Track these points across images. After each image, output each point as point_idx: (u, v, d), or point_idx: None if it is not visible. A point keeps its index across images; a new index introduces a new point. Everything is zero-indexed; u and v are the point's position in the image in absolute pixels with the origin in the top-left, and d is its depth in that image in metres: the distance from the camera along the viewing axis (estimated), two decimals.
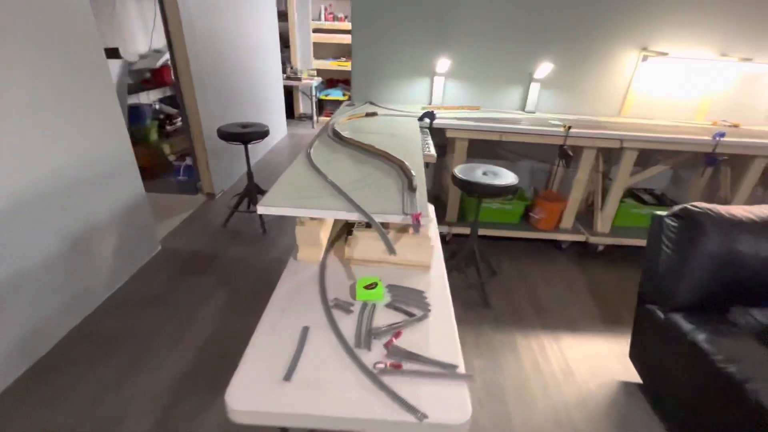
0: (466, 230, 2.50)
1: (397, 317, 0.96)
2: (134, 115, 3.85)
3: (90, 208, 1.90)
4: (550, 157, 2.81)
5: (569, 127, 2.17)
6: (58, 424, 1.37)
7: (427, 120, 2.19)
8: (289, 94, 5.54)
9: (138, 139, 3.84)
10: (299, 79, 5.14)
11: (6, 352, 1.51)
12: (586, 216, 2.73)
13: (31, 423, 1.37)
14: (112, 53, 4.13)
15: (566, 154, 2.24)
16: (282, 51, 5.35)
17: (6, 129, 1.46)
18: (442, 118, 2.26)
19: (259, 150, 4.13)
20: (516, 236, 2.57)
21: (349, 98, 3.36)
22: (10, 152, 1.48)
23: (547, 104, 2.67)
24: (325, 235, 1.21)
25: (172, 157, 3.51)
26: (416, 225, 1.05)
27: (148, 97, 4.07)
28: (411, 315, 0.96)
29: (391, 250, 1.07)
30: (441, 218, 2.64)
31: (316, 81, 5.30)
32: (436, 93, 2.63)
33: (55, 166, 1.69)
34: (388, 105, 2.60)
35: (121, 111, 2.07)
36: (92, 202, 1.91)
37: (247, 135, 2.48)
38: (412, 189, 1.19)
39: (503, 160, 2.85)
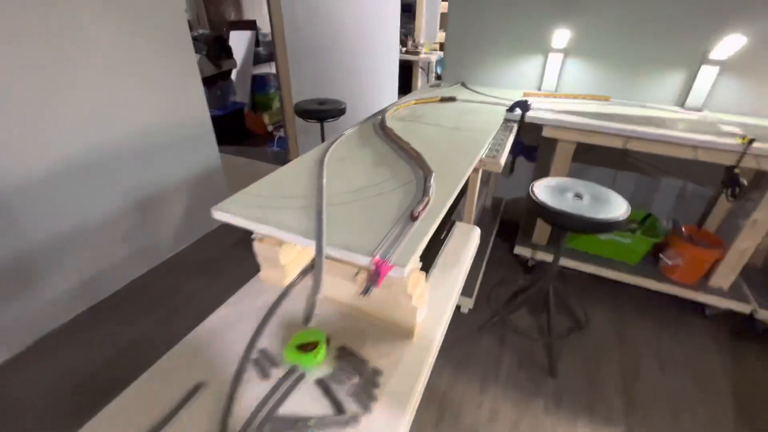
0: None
1: (320, 405, 0.66)
2: (259, 84, 4.13)
3: (164, 172, 2.02)
4: (711, 179, 1.92)
5: (751, 140, 1.37)
6: (86, 366, 1.49)
7: (517, 111, 1.66)
8: (408, 69, 5.26)
9: (259, 106, 4.13)
10: (418, 53, 4.80)
11: (69, 291, 1.71)
12: (758, 277, 1.80)
13: (67, 363, 1.53)
14: (250, 25, 4.46)
15: (736, 180, 1.45)
16: (406, 22, 5.04)
17: (87, 83, 1.58)
18: (543, 110, 1.69)
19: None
20: (629, 282, 1.86)
21: (438, 78, 2.90)
22: (90, 107, 1.61)
23: (724, 100, 1.78)
24: (287, 257, 0.94)
25: (270, 128, 3.65)
26: (371, 280, 0.70)
27: (270, 68, 4.32)
28: (339, 408, 0.65)
29: (308, 317, 0.75)
30: (528, 236, 2.09)
31: (438, 55, 4.88)
32: (549, 76, 2.01)
33: (134, 127, 1.80)
34: (483, 89, 2.10)
35: (200, 80, 2.12)
36: (166, 166, 2.03)
37: (321, 113, 2.32)
38: (413, 217, 0.82)
39: (634, 173, 2.07)
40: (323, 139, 2.47)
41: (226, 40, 3.69)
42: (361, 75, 3.70)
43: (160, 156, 1.97)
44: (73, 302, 1.74)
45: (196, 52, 3.29)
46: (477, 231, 1.21)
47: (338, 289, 0.87)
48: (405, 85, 5.38)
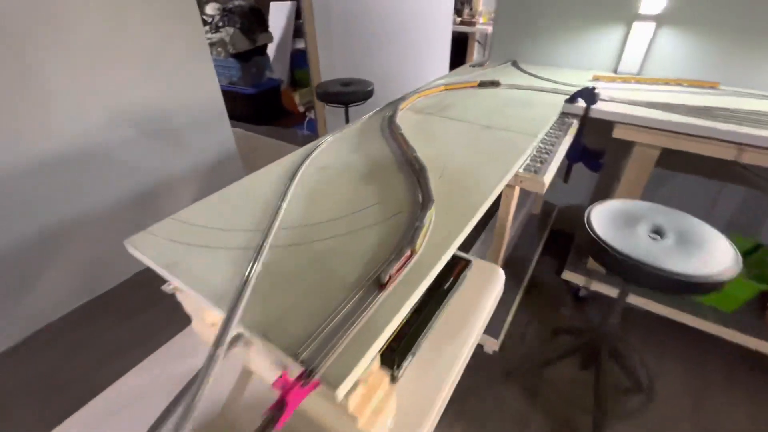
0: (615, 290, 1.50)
1: None
2: (300, 59, 3.90)
3: (169, 159, 1.87)
4: None
5: None
6: (78, 368, 1.42)
7: (580, 103, 1.25)
8: (463, 42, 4.72)
9: (299, 83, 3.92)
10: (474, 24, 4.25)
11: (66, 285, 1.65)
12: None
13: (62, 358, 1.46)
14: None
15: None
16: None
17: (83, 63, 1.43)
18: (618, 102, 1.25)
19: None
20: (719, 335, 1.40)
21: (485, 56, 2.46)
22: (77, 87, 1.46)
23: None
24: (216, 316, 0.69)
25: (302, 108, 3.42)
26: (271, 414, 0.43)
27: None
28: None
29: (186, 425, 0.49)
30: (581, 258, 1.67)
31: None
32: (631, 53, 1.52)
33: (131, 110, 1.65)
34: (540, 69, 1.67)
35: (209, 55, 1.91)
36: (171, 153, 1.88)
37: (344, 95, 2.02)
38: (381, 285, 0.54)
39: (740, 185, 1.54)
40: (347, 121, 2.18)
41: (264, 12, 3.47)
42: (405, 49, 3.31)
43: (163, 142, 1.82)
44: (70, 297, 1.68)
45: (230, 25, 3.11)
46: (501, 276, 0.87)
47: (267, 366, 0.62)
48: (458, 61, 4.86)
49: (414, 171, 0.83)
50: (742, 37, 1.35)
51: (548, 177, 0.95)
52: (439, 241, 0.61)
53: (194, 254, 0.61)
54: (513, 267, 1.68)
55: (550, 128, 1.19)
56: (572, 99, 1.26)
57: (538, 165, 0.98)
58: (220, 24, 3.09)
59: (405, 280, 0.54)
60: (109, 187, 1.68)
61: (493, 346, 1.40)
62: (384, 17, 2.91)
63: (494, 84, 1.42)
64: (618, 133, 1.23)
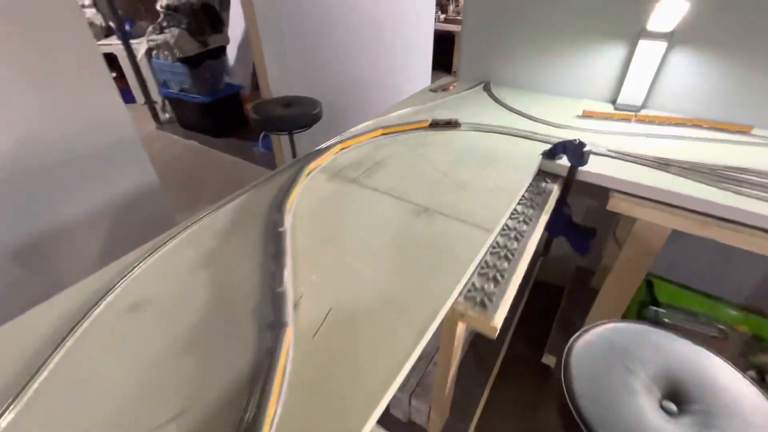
0: None
1: None
2: None
3: (69, 198, 1.51)
4: None
5: None
6: None
7: (562, 159, 0.90)
8: (448, 42, 4.32)
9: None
10: (460, 22, 3.85)
11: None
12: None
13: None
14: None
15: None
16: None
17: None
18: (613, 155, 0.90)
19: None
20: None
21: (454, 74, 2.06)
22: None
23: None
24: None
25: None
26: None
27: None
28: None
29: None
30: (566, 331, 1.33)
31: None
32: (634, 80, 1.17)
33: (20, 147, 1.28)
34: (517, 97, 1.31)
35: (107, 71, 1.53)
36: (64, 195, 1.51)
37: (280, 121, 1.66)
38: None
39: None
40: (294, 154, 1.82)
41: (222, 8, 3.07)
42: (378, 54, 2.92)
43: (52, 181, 1.45)
44: None
45: (175, 25, 2.72)
46: None
47: None
48: (443, 64, 4.46)
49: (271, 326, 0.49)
50: None
51: (503, 312, 0.60)
52: None
53: None
54: (481, 346, 1.34)
55: (523, 196, 0.84)
56: (551, 154, 0.91)
57: (491, 287, 0.63)
58: (164, 24, 2.70)
59: None
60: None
61: None
62: (351, 17, 2.52)
63: (451, 125, 1.07)
64: (614, 205, 0.88)
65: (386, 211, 0.74)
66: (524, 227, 0.76)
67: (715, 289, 1.34)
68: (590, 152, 0.84)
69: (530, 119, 1.13)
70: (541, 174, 0.93)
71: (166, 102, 3.37)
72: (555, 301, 1.54)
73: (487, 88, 1.37)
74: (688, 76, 1.10)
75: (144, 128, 3.35)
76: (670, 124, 1.08)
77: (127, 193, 1.69)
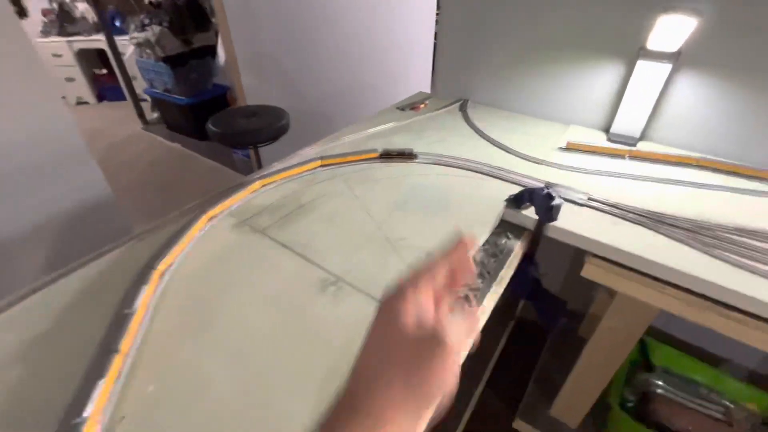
0: None
1: None
2: None
3: (11, 212, 1.38)
4: None
5: None
6: None
7: (529, 212, 0.72)
8: None
9: None
10: None
11: None
12: None
13: None
14: None
15: None
16: None
17: None
18: (595, 204, 0.72)
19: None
20: None
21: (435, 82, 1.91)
22: None
23: None
24: None
25: None
26: None
27: None
28: None
29: None
30: (545, 397, 1.16)
31: None
32: (631, 107, 0.98)
33: None
34: (497, 118, 1.14)
35: (45, 75, 1.39)
36: (15, 203, 1.39)
37: (240, 136, 1.51)
38: None
39: None
40: (260, 165, 1.67)
41: (204, 5, 2.93)
42: (371, 54, 2.74)
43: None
44: None
45: (156, 22, 2.59)
46: None
47: None
48: None
49: None
50: None
51: None
52: None
53: None
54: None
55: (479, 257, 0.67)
56: (517, 202, 0.74)
57: None
58: (146, 21, 2.58)
59: None
60: None
61: None
62: (341, 13, 2.35)
63: (404, 156, 0.90)
64: (590, 273, 0.70)
65: (287, 280, 0.58)
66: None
67: (722, 349, 1.14)
68: (560, 207, 0.67)
69: (504, 150, 0.96)
70: (504, 225, 0.76)
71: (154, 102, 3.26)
72: (540, 343, 1.36)
73: (463, 108, 1.20)
74: (696, 106, 0.92)
75: (129, 128, 3.24)
76: (670, 164, 0.90)
77: (73, 207, 1.55)
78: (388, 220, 0.71)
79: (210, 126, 1.49)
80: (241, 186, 0.78)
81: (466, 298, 0.53)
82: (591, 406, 1.00)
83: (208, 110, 3.06)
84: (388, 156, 0.90)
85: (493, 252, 0.70)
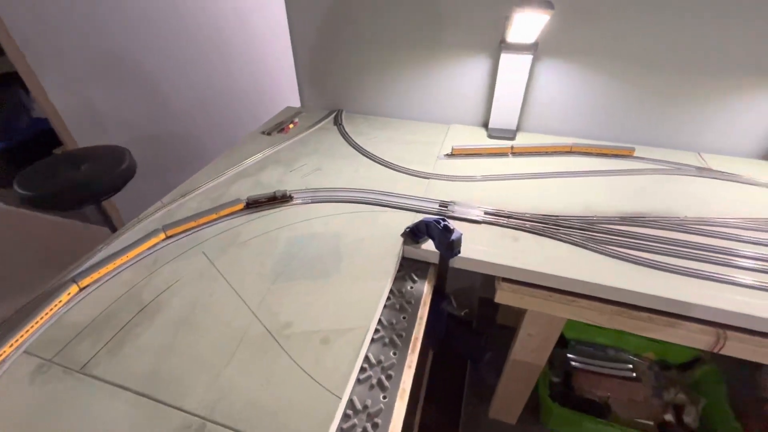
0: None
1: None
2: None
3: None
4: None
5: None
6: None
7: (423, 242, 0.63)
8: None
9: None
10: None
11: None
12: None
13: None
14: None
15: None
16: None
17: None
18: (489, 213, 0.66)
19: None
20: None
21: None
22: None
23: None
24: None
25: None
26: None
27: None
28: None
29: None
30: (480, 406, 1.14)
31: None
32: (505, 100, 0.96)
33: None
34: (375, 129, 1.03)
35: None
36: None
37: (75, 191, 1.16)
38: None
39: None
40: (114, 230, 1.33)
41: None
42: (230, 72, 2.41)
43: None
44: None
45: None
46: None
47: None
48: None
49: None
50: (675, 73, 0.85)
51: None
52: None
53: None
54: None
55: (376, 327, 0.56)
56: (414, 236, 0.64)
57: None
58: None
59: None
60: None
61: None
62: (177, 34, 1.98)
63: (276, 200, 0.74)
64: (504, 298, 0.65)
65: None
66: (382, 397, 0.48)
67: None
68: (460, 239, 0.59)
69: (389, 168, 0.86)
70: (406, 264, 0.66)
71: None
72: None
73: (338, 121, 1.07)
74: (559, 91, 0.93)
75: None
76: (548, 154, 0.90)
77: None
78: (267, 300, 0.56)
79: (17, 188, 1.12)
80: (44, 299, 0.54)
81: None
82: (525, 402, 1.00)
83: (31, 152, 2.44)
84: (256, 204, 0.73)
85: (401, 305, 0.59)
